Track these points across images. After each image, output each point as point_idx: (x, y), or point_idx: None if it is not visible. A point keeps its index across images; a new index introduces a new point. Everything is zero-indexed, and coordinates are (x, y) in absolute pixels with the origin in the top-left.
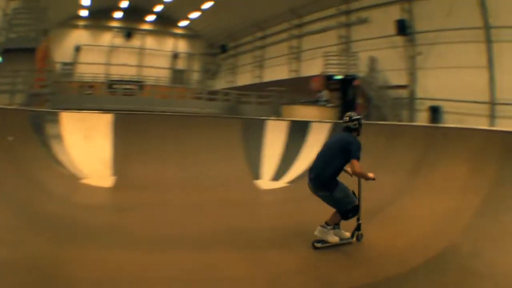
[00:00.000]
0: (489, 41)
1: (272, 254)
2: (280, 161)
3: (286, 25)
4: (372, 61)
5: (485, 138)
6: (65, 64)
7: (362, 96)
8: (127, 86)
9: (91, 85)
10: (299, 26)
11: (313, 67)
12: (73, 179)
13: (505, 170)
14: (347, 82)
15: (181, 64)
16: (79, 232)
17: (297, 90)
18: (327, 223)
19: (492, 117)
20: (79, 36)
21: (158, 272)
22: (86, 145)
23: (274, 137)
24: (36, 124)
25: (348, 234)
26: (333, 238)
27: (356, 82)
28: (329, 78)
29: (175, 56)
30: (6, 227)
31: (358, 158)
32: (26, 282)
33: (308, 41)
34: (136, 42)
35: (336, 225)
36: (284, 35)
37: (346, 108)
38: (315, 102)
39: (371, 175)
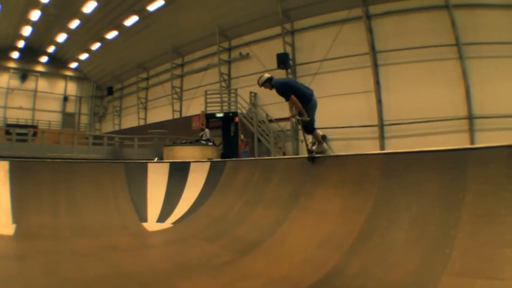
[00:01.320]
0: (376, 65)
1: None
2: (164, 202)
3: (169, 65)
4: (253, 96)
5: (364, 162)
6: None
7: (244, 132)
8: (22, 131)
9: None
10: (181, 65)
11: (194, 106)
12: None
13: (385, 190)
14: (229, 119)
15: (71, 107)
16: None
17: (180, 130)
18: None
19: (381, 138)
20: None
21: None
22: None
23: (156, 180)
24: None
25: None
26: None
27: (236, 119)
28: (210, 116)
29: (65, 99)
30: None
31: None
32: None
33: (190, 80)
34: (30, 84)
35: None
36: (166, 75)
37: (228, 145)
38: (196, 141)
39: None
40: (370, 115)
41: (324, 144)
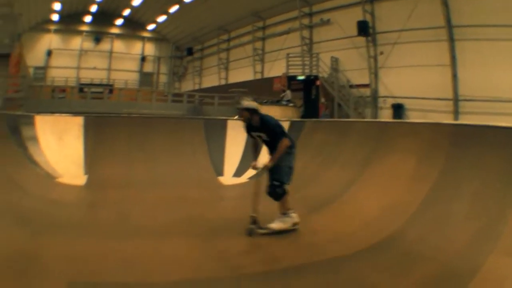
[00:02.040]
0: (452, 40)
1: (228, 240)
2: (241, 158)
3: (249, 27)
4: (334, 61)
5: (434, 131)
6: (38, 68)
7: (325, 96)
8: (97, 90)
9: (63, 89)
10: (263, 28)
11: (276, 68)
12: (48, 178)
13: (452, 160)
14: (310, 82)
15: (149, 67)
16: (54, 226)
17: (261, 91)
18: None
19: (455, 113)
20: (50, 40)
21: (125, 258)
22: (60, 147)
23: (235, 136)
24: (12, 127)
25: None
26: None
27: (318, 82)
28: (291, 78)
29: (143, 59)
30: None
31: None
32: (3, 274)
33: (271, 42)
34: (105, 45)
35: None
36: (248, 37)
37: (309, 108)
38: (277, 102)
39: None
40: (445, 89)
41: (293, 215)
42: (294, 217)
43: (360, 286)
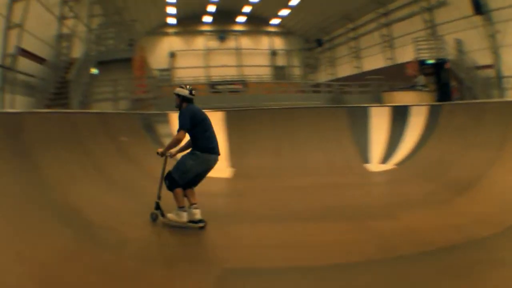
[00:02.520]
0: None
1: (381, 223)
2: (386, 144)
3: (373, 14)
4: (458, 43)
5: None
6: (162, 70)
7: (455, 79)
8: (231, 86)
9: (194, 87)
10: (386, 14)
11: (405, 54)
12: None
13: None
14: (439, 66)
15: (280, 61)
16: (206, 215)
17: (394, 77)
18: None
19: None
20: (171, 42)
21: (277, 239)
22: None
23: (378, 123)
24: (147, 125)
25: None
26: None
27: (447, 65)
28: (422, 63)
29: (274, 53)
30: (132, 211)
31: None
32: (154, 255)
33: (397, 28)
34: (230, 43)
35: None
36: (373, 25)
37: (442, 92)
38: (412, 87)
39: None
40: None
41: (193, 211)
42: (194, 213)
43: (506, 265)
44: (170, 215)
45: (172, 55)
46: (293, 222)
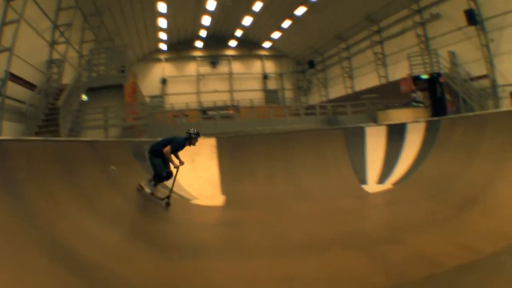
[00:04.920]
0: None
1: (388, 248)
2: (383, 164)
3: (366, 32)
4: (452, 55)
5: None
6: (154, 97)
7: (449, 92)
8: (223, 111)
9: (185, 114)
10: (378, 31)
11: (399, 70)
12: (183, 200)
13: None
14: (434, 80)
15: (272, 84)
16: (197, 246)
17: (389, 95)
18: (149, 180)
19: None
20: (163, 69)
21: (277, 273)
22: (193, 169)
23: (375, 142)
24: (138, 153)
25: (160, 195)
26: (147, 190)
27: (442, 79)
28: (416, 78)
29: (265, 77)
30: (123, 244)
31: (170, 148)
32: None
33: (389, 45)
34: (222, 68)
35: (152, 182)
36: (366, 43)
37: (437, 106)
38: (407, 104)
39: (176, 163)
40: None
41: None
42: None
43: None
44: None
45: (164, 81)
46: (293, 253)
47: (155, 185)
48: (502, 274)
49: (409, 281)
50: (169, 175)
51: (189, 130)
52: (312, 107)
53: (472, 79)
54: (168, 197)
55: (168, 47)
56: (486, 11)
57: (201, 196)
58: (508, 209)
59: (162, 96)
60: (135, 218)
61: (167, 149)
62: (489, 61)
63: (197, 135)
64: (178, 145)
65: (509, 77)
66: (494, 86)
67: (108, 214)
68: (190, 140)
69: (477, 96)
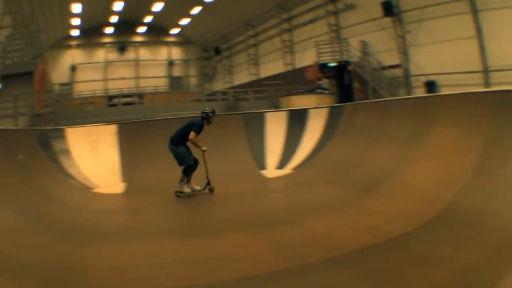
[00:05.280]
0: (475, 11)
1: (283, 231)
2: (283, 150)
3: (275, 20)
4: (364, 45)
5: (475, 100)
6: (63, 84)
7: (358, 80)
8: (127, 99)
9: (91, 101)
10: (289, 19)
11: (307, 58)
12: (85, 189)
13: (497, 128)
14: (342, 68)
15: (177, 71)
16: (96, 233)
17: (295, 81)
18: (180, 180)
19: (486, 84)
20: (73, 55)
21: (175, 256)
22: (94, 157)
23: (275, 128)
24: (43, 142)
25: (199, 187)
26: (186, 189)
27: (350, 67)
28: (323, 66)
29: (171, 63)
30: (26, 233)
31: (194, 132)
32: (51, 281)
33: (299, 33)
34: (130, 54)
35: (184, 181)
36: (275, 30)
37: (344, 93)
38: (312, 90)
39: (203, 147)
40: (475, 61)
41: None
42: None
43: (427, 261)
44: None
45: (73, 68)
46: (192, 237)
47: (189, 180)
48: (405, 257)
49: (305, 263)
50: (196, 162)
51: (205, 110)
52: (214, 93)
53: (384, 68)
54: (208, 183)
55: (80, 33)
56: (406, 4)
57: (102, 184)
58: (412, 192)
59: (71, 83)
60: (37, 205)
61: (192, 134)
62: (404, 52)
63: (213, 112)
64: (199, 127)
65: (424, 67)
66: (407, 75)
67: (10, 200)
68: (208, 119)
69: (388, 84)
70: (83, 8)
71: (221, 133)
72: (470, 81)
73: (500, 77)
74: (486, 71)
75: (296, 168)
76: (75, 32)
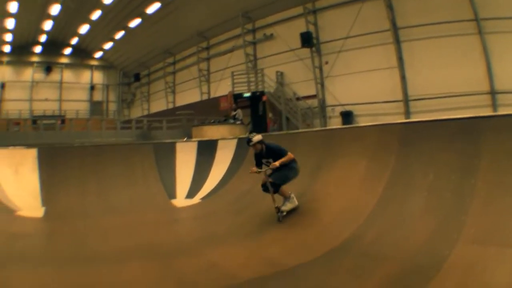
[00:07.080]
0: (398, 42)
1: (184, 260)
2: (192, 179)
3: (194, 48)
4: (279, 75)
5: (382, 132)
6: None
7: (272, 111)
8: (50, 121)
9: (17, 122)
10: (207, 48)
11: (222, 88)
12: (7, 211)
13: (403, 158)
14: (256, 99)
15: (98, 96)
16: (13, 258)
17: (209, 111)
18: (283, 200)
19: (407, 113)
20: (3, 72)
21: (85, 285)
22: (17, 180)
23: (185, 158)
24: None
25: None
26: (290, 206)
27: (264, 98)
28: (238, 96)
29: (92, 88)
30: None
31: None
32: None
33: (216, 62)
34: (55, 76)
35: (286, 198)
36: (193, 59)
37: (257, 124)
38: (224, 121)
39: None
40: (395, 90)
41: (293, 197)
42: (294, 197)
43: None
44: (285, 208)
45: (3, 86)
46: (102, 263)
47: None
48: (297, 286)
49: None
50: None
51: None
52: (129, 121)
53: (299, 98)
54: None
55: (11, 49)
56: (325, 35)
57: (24, 208)
58: (316, 222)
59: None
60: None
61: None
62: (320, 82)
63: (248, 142)
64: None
65: (340, 98)
66: (323, 106)
67: None
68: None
69: (302, 115)
70: (17, 24)
71: (133, 162)
72: (389, 110)
73: (421, 106)
74: (406, 100)
75: (204, 198)
76: (6, 48)
